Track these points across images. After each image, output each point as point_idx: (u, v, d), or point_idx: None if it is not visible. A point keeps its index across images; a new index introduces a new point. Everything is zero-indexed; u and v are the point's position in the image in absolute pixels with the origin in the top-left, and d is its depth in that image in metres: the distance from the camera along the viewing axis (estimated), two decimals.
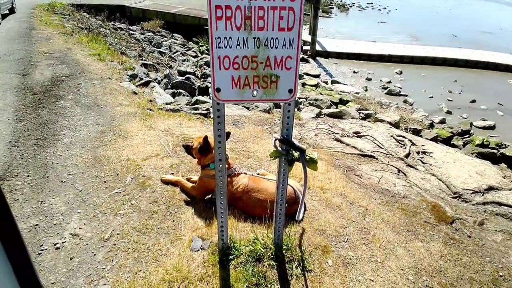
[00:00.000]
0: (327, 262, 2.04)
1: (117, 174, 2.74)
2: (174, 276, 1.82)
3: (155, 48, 8.78)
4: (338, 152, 3.86)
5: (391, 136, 4.75)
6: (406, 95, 10.37)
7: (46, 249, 2.03)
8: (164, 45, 9.58)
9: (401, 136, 4.75)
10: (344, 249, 2.19)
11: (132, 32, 10.42)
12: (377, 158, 3.80)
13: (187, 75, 6.66)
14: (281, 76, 1.45)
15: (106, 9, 12.36)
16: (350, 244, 2.24)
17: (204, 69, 7.74)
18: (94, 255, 2.00)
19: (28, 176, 2.68)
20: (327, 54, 14.05)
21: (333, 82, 11.09)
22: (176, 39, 11.65)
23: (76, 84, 4.52)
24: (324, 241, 2.20)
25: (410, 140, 4.59)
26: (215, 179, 1.69)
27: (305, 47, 14.23)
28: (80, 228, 2.19)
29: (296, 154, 1.61)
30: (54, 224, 2.22)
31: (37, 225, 2.20)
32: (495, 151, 6.18)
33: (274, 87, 1.47)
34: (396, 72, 12.54)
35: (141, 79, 5.51)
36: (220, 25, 1.33)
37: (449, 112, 9.24)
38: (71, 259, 1.97)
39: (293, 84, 1.48)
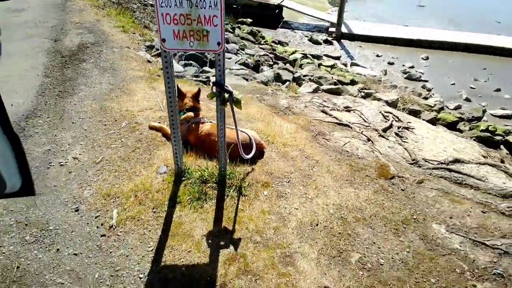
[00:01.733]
0: (263, 193, 2.51)
1: (116, 120, 3.36)
2: (139, 187, 2.40)
3: None
4: (317, 120, 4.22)
5: (380, 112, 4.98)
6: (426, 81, 10.17)
7: (53, 165, 2.69)
8: None
9: (388, 112, 4.97)
10: (283, 187, 2.64)
11: None
12: (351, 127, 4.12)
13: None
14: (210, 31, 1.91)
15: None
16: (290, 184, 2.69)
17: None
18: (87, 171, 2.63)
19: (48, 117, 3.38)
20: (353, 37, 13.88)
21: (352, 64, 11.11)
22: None
23: (98, 50, 5.21)
24: (267, 179, 2.67)
25: (396, 116, 4.81)
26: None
27: (331, 29, 14.15)
28: (79, 154, 2.84)
29: (226, 95, 2.08)
30: (62, 150, 2.88)
31: (49, 149, 2.88)
32: (499, 137, 6.13)
33: (206, 40, 1.93)
34: (422, 58, 12.19)
35: (157, 49, 6.11)
36: None
37: (467, 100, 8.99)
38: (69, 172, 2.61)
39: (220, 38, 1.92)
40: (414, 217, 2.48)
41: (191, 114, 2.84)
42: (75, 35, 5.63)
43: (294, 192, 2.58)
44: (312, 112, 4.73)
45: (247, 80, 5.36)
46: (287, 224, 2.26)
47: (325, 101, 5.28)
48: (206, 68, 5.66)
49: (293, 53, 10.67)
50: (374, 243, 2.20)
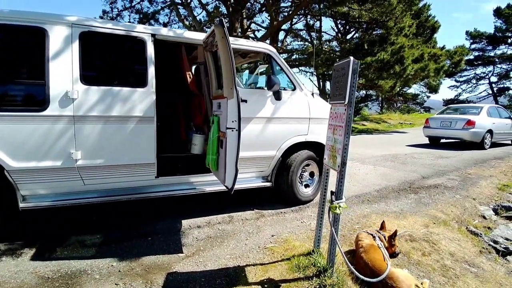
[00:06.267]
0: None
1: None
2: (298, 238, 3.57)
3: None
4: None
5: None
6: None
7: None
8: None
9: None
10: None
11: None
12: None
13: None
14: (337, 157, 2.84)
15: None
16: None
17: None
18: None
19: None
20: None
21: None
22: None
23: (439, 192, 5.92)
24: None
25: None
26: None
27: None
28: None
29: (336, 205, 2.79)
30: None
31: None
32: None
33: (334, 163, 2.88)
34: None
35: None
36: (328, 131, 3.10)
37: None
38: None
39: (340, 163, 2.78)
40: None
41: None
42: (439, 179, 6.66)
43: None
44: None
45: None
46: None
47: None
48: None
49: None
50: None
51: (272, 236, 3.90)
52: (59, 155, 3.40)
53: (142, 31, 3.77)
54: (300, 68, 24.81)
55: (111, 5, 18.20)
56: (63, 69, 3.34)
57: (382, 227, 3.59)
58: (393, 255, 3.42)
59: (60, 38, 3.36)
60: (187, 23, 18.78)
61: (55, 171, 3.44)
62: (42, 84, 3.29)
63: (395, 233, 3.43)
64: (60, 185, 3.56)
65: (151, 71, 3.75)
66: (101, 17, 17.89)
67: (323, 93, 25.66)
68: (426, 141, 13.50)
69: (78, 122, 3.41)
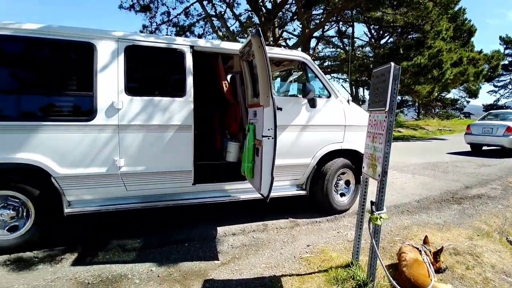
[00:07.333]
0: None
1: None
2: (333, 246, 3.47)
3: None
4: None
5: None
6: None
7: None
8: None
9: None
10: None
11: None
12: None
13: None
14: (377, 166, 2.74)
15: None
16: None
17: None
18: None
19: None
20: None
21: None
22: None
23: (483, 202, 5.52)
24: None
25: None
26: None
27: None
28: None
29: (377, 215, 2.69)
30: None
31: None
32: None
33: (374, 171, 2.78)
34: None
35: None
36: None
37: None
38: None
39: (380, 172, 2.68)
40: None
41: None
42: (482, 188, 6.21)
43: None
44: None
45: None
46: None
47: None
48: None
49: None
50: None
51: (308, 246, 3.83)
52: (104, 162, 3.59)
53: (182, 43, 3.92)
54: (332, 75, 24.46)
55: (150, 20, 19.11)
56: (109, 81, 3.56)
57: (425, 241, 3.39)
58: (438, 271, 3.22)
59: (108, 52, 3.58)
60: (220, 33, 19.27)
61: (100, 178, 3.63)
62: (91, 95, 3.51)
63: (441, 249, 3.24)
64: (104, 191, 3.75)
65: (190, 81, 3.88)
66: (141, 31, 18.87)
67: (355, 99, 25.07)
68: (467, 148, 12.69)
69: (122, 131, 3.60)
